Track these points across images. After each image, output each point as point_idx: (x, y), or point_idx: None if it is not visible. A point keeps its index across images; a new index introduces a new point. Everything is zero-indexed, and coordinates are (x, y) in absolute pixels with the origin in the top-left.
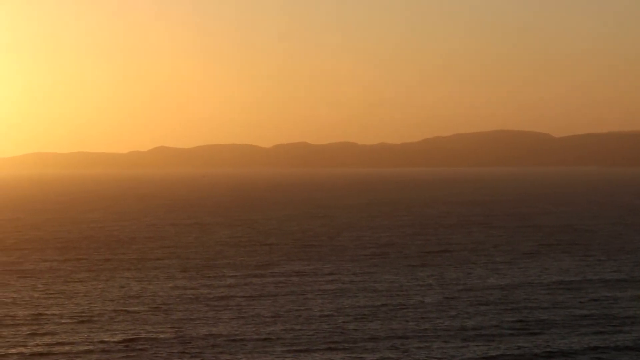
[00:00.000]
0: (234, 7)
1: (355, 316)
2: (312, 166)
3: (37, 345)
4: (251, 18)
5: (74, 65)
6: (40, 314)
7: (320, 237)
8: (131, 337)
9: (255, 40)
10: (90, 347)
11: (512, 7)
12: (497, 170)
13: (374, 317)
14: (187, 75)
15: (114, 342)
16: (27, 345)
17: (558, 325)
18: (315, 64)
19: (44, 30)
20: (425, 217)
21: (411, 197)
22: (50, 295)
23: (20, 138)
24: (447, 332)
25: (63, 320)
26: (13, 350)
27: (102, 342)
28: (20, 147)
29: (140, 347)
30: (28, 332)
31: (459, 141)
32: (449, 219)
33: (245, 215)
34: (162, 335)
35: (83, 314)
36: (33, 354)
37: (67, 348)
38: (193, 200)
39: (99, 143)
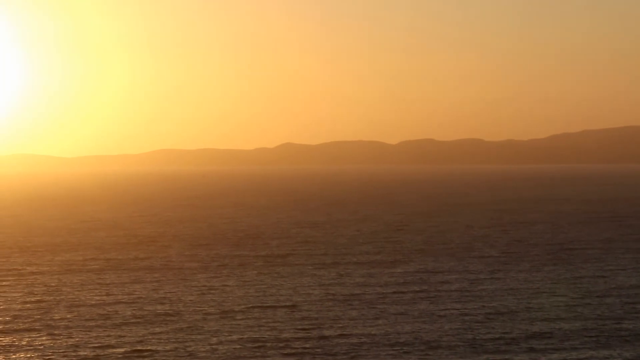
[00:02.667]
0: (361, 7)
1: (483, 316)
2: (438, 163)
3: (171, 341)
4: (377, 17)
5: (203, 64)
6: (173, 310)
7: (447, 234)
8: (261, 334)
9: (381, 39)
10: (223, 345)
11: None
12: (627, 167)
13: (501, 316)
14: (314, 72)
15: (245, 338)
16: (161, 341)
17: None
18: (441, 61)
19: (175, 30)
20: (554, 215)
21: (539, 194)
22: (182, 291)
23: (149, 135)
24: (578, 334)
25: (196, 316)
26: (149, 347)
27: (235, 338)
28: (148, 144)
29: (270, 344)
30: (161, 329)
31: (587, 137)
32: (578, 216)
33: (372, 211)
34: (291, 334)
35: (215, 310)
36: (167, 351)
37: (199, 345)
38: (321, 196)
39: (226, 140)
